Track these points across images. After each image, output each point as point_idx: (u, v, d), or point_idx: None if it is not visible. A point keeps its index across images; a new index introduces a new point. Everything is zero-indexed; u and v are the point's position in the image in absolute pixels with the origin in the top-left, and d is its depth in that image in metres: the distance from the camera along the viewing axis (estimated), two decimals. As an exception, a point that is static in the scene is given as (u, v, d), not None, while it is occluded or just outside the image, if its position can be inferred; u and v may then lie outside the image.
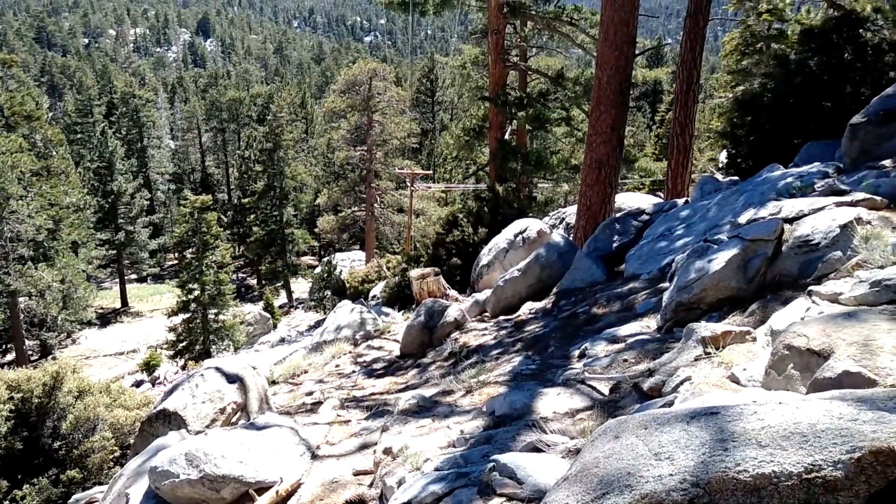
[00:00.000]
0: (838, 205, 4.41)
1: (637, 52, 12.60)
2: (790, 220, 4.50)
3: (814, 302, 3.43)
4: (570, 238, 11.37)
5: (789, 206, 4.66)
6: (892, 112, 6.26)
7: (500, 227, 13.50)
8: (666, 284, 5.78)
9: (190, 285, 26.53)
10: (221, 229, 30.51)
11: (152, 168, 55.34)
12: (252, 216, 43.96)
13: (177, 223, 34.51)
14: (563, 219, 18.92)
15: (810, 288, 3.59)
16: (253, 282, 49.29)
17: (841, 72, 8.57)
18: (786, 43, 13.88)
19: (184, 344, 26.63)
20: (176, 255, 41.07)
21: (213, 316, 26.96)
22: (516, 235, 11.61)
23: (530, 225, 11.83)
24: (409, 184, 30.77)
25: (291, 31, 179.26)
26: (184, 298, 26.73)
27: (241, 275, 50.23)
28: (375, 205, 36.93)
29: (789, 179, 6.33)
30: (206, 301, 26.52)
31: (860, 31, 8.98)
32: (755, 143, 9.49)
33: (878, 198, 4.46)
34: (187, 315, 26.83)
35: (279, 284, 42.99)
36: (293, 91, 65.16)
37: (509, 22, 20.51)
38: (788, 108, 8.95)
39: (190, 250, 27.38)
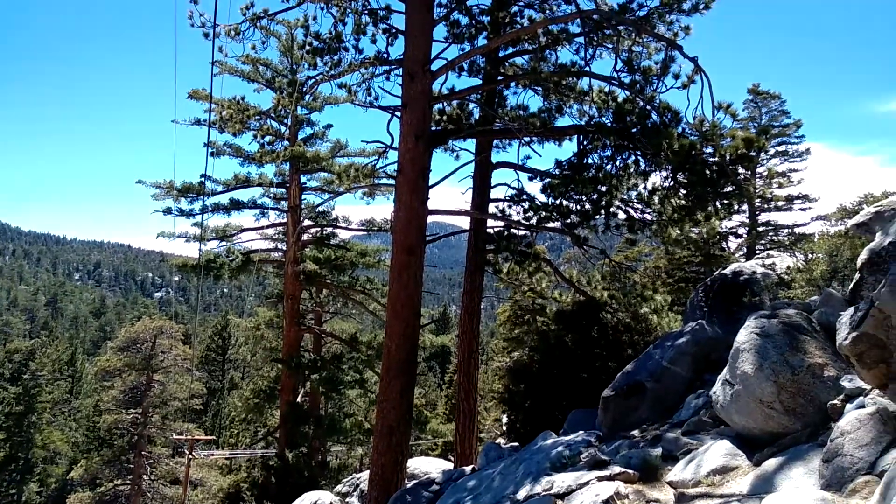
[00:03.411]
0: (600, 479, 4.77)
1: (423, 322, 13.61)
2: (562, 496, 4.73)
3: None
4: (364, 510, 10.73)
5: (560, 482, 4.93)
6: (633, 386, 7.28)
7: (289, 499, 12.43)
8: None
9: None
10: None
11: None
12: (-22, 498, 35.63)
13: None
14: (358, 485, 17.95)
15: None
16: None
17: (590, 347, 9.98)
18: (547, 317, 16.01)
19: None
20: None
21: None
22: (304, 512, 10.71)
23: (321, 498, 11.05)
24: (187, 451, 27.69)
25: (71, 283, 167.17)
26: None
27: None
28: (144, 476, 32.21)
29: (560, 448, 6.80)
30: None
31: (601, 314, 10.75)
32: (530, 409, 10.29)
33: (631, 471, 4.93)
34: None
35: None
36: (62, 346, 58.69)
37: (305, 288, 21.33)
38: (554, 377, 10.03)
39: None
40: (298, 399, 20.95)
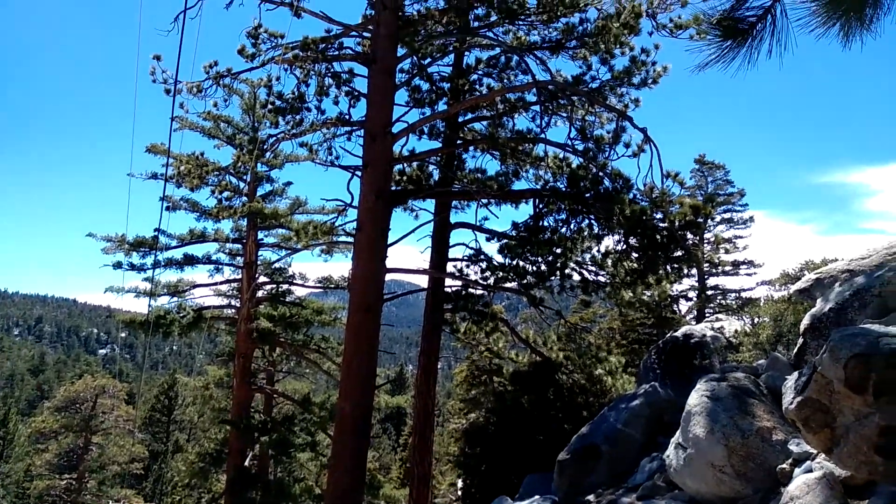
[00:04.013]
0: (555, 546, 4.68)
1: (379, 382, 13.39)
2: (517, 565, 4.62)
3: None
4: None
5: (515, 550, 4.82)
6: (588, 449, 7.26)
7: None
8: None
9: None
10: None
11: None
12: None
13: None
14: (307, 557, 17.19)
15: None
16: None
17: (547, 409, 9.95)
18: (503, 378, 15.95)
19: None
20: None
21: None
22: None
23: (265, 571, 10.48)
24: (124, 520, 26.08)
25: (10, 339, 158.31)
26: None
27: None
28: (75, 549, 30.11)
29: (515, 515, 6.69)
30: None
31: (557, 375, 10.78)
32: (486, 473, 10.11)
33: (587, 538, 4.86)
34: None
35: None
36: (-7, 406, 55.28)
37: (258, 346, 20.82)
38: (510, 440, 9.92)
39: None
40: (246, 462, 20.10)
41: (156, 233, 19.65)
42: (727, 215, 26.69)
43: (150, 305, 19.72)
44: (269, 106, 12.73)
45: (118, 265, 19.24)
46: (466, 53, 13.46)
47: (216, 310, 21.81)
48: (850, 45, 2.04)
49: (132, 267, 19.38)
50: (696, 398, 5.28)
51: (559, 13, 11.21)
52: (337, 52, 11.96)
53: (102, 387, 32.55)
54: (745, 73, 2.29)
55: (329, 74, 12.30)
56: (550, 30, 11.93)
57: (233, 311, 21.87)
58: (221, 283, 21.60)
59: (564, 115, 12.07)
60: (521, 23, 12.15)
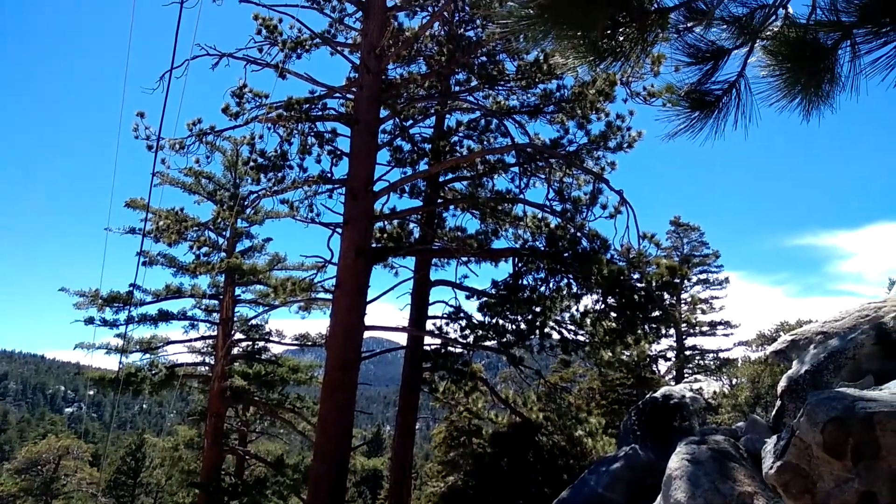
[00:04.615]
0: None
1: (355, 444, 13.07)
2: None
3: None
4: None
5: None
6: (568, 515, 7.08)
7: None
8: None
9: None
10: None
11: None
12: None
13: None
14: None
15: None
16: None
17: (526, 472, 9.75)
18: (483, 439, 15.65)
19: None
20: None
21: None
22: None
23: None
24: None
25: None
26: None
27: None
28: None
29: (494, 585, 6.45)
30: None
31: (537, 436, 10.61)
32: (464, 541, 9.79)
33: None
34: None
35: None
36: (-52, 467, 52.63)
37: (231, 405, 20.29)
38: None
39: None
40: (215, 529, 19.24)
41: (131, 288, 19.35)
42: (703, 276, 27.03)
43: (121, 362, 19.23)
44: (252, 163, 12.83)
45: (90, 321, 18.83)
46: (447, 116, 13.80)
47: (189, 367, 21.32)
48: (810, 118, 2.14)
49: (104, 322, 18.98)
50: (677, 461, 5.22)
51: (537, 80, 11.60)
52: (320, 113, 12.18)
53: (66, 447, 31.35)
54: (713, 142, 2.39)
55: (312, 134, 12.49)
56: (529, 95, 12.32)
57: (206, 368, 21.39)
58: (196, 339, 21.19)
59: (543, 176, 12.33)
60: (500, 88, 12.54)
